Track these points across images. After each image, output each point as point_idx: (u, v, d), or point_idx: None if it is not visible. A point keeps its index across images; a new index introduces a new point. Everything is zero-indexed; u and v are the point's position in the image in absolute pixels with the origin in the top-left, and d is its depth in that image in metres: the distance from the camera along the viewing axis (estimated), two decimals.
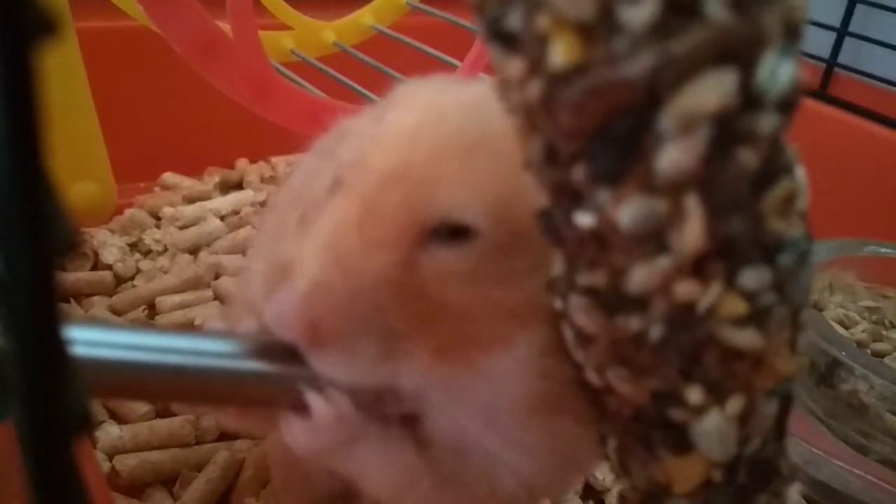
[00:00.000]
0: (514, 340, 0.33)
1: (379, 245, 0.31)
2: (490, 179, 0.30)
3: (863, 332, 0.73)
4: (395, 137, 0.34)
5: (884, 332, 0.73)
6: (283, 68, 0.87)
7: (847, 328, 0.73)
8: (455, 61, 0.89)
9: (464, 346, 0.33)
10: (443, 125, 0.33)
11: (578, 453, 0.39)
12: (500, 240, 0.32)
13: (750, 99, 0.24)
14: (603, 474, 0.66)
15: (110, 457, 0.62)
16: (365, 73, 0.90)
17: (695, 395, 0.28)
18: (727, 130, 0.24)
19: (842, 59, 1.09)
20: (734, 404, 0.28)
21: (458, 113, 0.34)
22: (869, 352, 0.70)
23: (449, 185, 0.32)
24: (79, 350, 0.29)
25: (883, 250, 0.77)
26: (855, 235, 0.80)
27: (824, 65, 1.10)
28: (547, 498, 0.55)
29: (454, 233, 0.32)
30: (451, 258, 0.32)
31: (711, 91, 0.24)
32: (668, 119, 0.24)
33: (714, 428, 0.28)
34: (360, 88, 0.85)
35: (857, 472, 0.61)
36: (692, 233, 0.25)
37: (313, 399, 0.34)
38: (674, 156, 0.24)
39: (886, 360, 0.70)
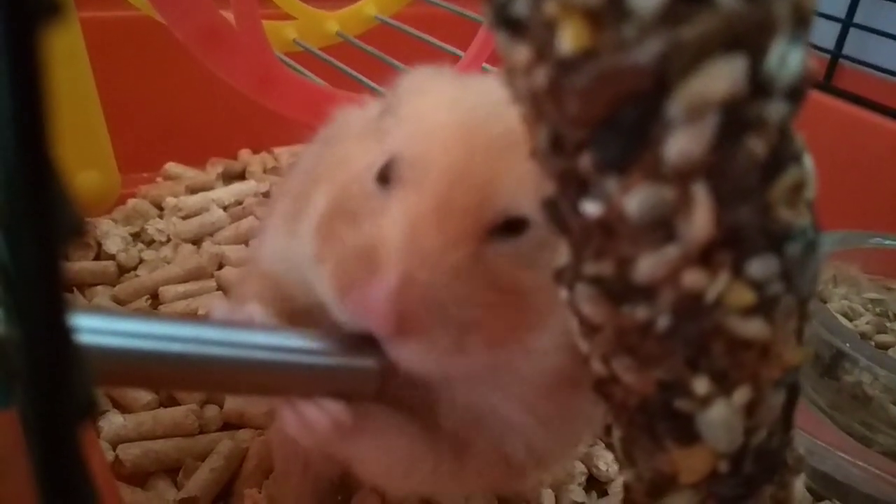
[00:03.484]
0: (549, 319, 0.36)
1: (456, 242, 0.34)
2: (535, 170, 0.31)
3: (867, 323, 0.73)
4: (449, 134, 0.36)
5: (888, 324, 0.73)
6: (286, 58, 0.87)
7: (851, 320, 0.73)
8: (458, 51, 0.89)
9: (516, 330, 0.36)
10: (491, 123, 0.36)
11: (584, 426, 0.42)
12: (545, 228, 0.34)
13: (759, 86, 0.24)
14: (606, 465, 0.66)
15: (114, 446, 0.62)
16: (368, 63, 0.90)
17: (701, 385, 0.28)
18: (736, 118, 0.24)
19: (847, 50, 1.09)
20: (741, 395, 0.28)
21: (500, 110, 0.36)
22: (873, 343, 0.70)
23: (508, 182, 0.35)
24: (84, 338, 0.29)
25: (887, 242, 0.77)
26: (859, 227, 0.79)
27: (829, 56, 1.09)
28: (547, 468, 0.57)
29: (511, 226, 0.35)
30: (511, 249, 0.35)
31: (720, 78, 0.23)
32: (676, 106, 0.24)
33: (720, 418, 0.28)
34: (363, 78, 0.84)
35: (861, 463, 0.61)
36: (700, 221, 0.25)
37: (306, 405, 0.35)
38: (682, 143, 0.24)
39: (890, 351, 0.70)
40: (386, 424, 0.39)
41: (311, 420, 0.35)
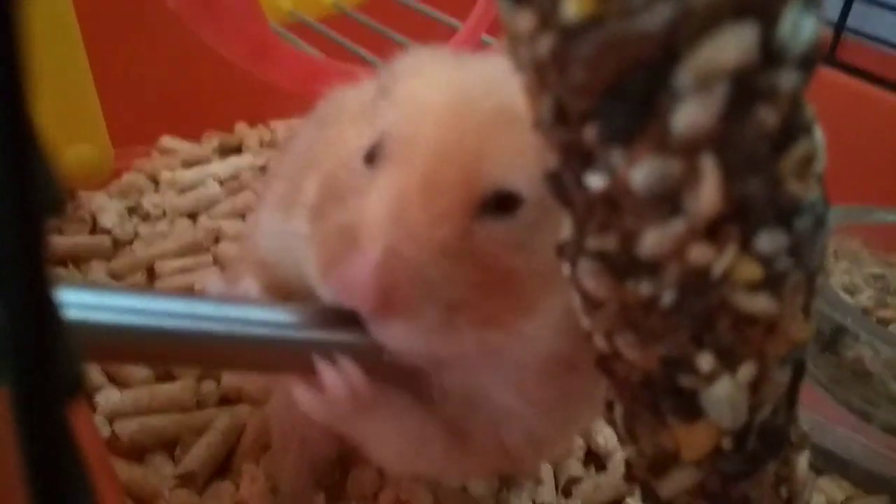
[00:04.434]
0: (545, 303, 0.35)
1: (443, 217, 0.33)
2: (530, 148, 0.30)
3: (868, 298, 0.72)
4: (439, 111, 0.35)
5: (889, 299, 0.73)
6: (281, 29, 0.85)
7: (852, 295, 0.73)
8: (457, 22, 0.88)
9: (508, 312, 0.34)
10: (484, 101, 0.35)
11: (584, 410, 0.42)
12: (539, 207, 0.34)
13: (770, 54, 0.23)
14: (605, 439, 0.66)
15: (111, 421, 0.62)
16: (365, 34, 0.88)
17: (706, 361, 0.27)
18: (746, 87, 0.23)
19: (850, 23, 1.07)
20: (746, 371, 0.28)
21: (495, 88, 0.35)
22: (874, 319, 0.70)
23: (499, 156, 0.34)
24: (77, 314, 0.29)
25: (890, 217, 0.77)
26: (862, 202, 0.79)
27: (832, 29, 1.07)
28: (546, 453, 0.57)
29: (502, 203, 0.34)
30: (501, 228, 0.34)
31: (731, 46, 0.22)
32: (685, 75, 0.23)
33: (725, 395, 0.28)
34: (360, 50, 0.83)
35: (861, 439, 0.60)
36: (707, 194, 0.24)
37: (326, 372, 0.34)
38: (690, 114, 0.23)
39: (891, 327, 0.70)
40: (399, 405, 0.38)
41: (329, 389, 0.34)
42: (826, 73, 1.03)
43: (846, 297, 0.71)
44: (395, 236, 0.32)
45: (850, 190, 0.82)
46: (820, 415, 0.63)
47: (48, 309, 0.17)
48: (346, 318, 0.35)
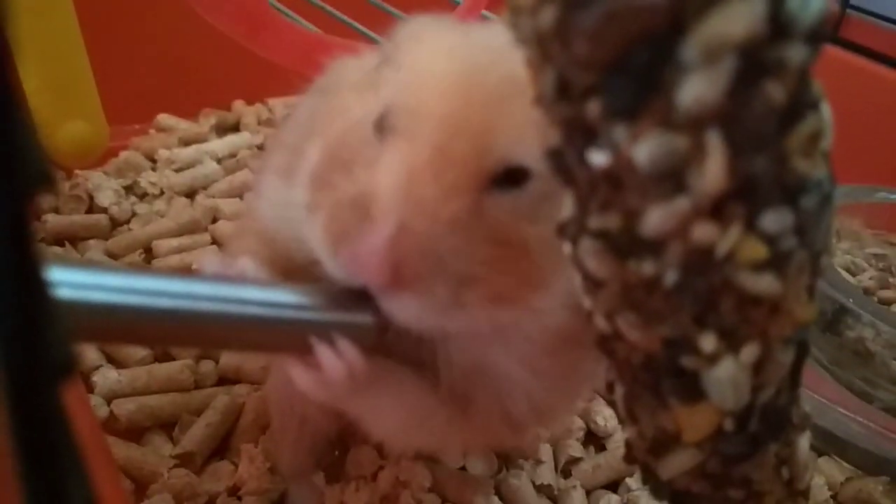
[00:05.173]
0: (554, 277, 0.34)
1: (453, 192, 0.32)
2: (538, 120, 0.29)
3: (870, 279, 0.72)
4: (447, 82, 0.34)
5: (891, 280, 0.73)
6: (277, 4, 0.84)
7: (854, 275, 0.72)
8: None
9: (518, 287, 0.34)
10: (490, 71, 0.34)
11: (588, 381, 0.42)
12: (547, 179, 0.33)
13: (779, 27, 0.22)
14: (604, 419, 0.66)
15: (108, 401, 0.62)
16: (362, 9, 0.87)
17: (708, 342, 0.27)
18: (754, 61, 0.22)
19: (854, 0, 1.06)
20: (749, 352, 0.27)
21: (501, 58, 0.34)
22: (875, 299, 0.70)
23: (507, 130, 0.33)
24: (71, 293, 0.28)
25: (892, 197, 0.76)
26: (864, 182, 0.78)
27: (837, 6, 1.06)
28: (548, 423, 0.57)
29: (511, 177, 0.34)
30: (511, 201, 0.34)
31: (739, 18, 0.22)
32: (691, 48, 0.22)
33: (727, 376, 0.27)
34: (357, 25, 0.82)
35: (861, 419, 0.60)
36: (713, 172, 0.24)
37: (323, 352, 0.34)
38: (696, 88, 0.22)
39: (893, 307, 0.69)
40: (399, 378, 0.38)
41: (327, 369, 0.34)
42: (830, 51, 1.02)
43: (848, 277, 0.70)
44: (405, 212, 0.32)
45: (852, 169, 0.81)
46: (820, 395, 0.63)
47: (37, 288, 0.16)
48: (343, 297, 0.35)
